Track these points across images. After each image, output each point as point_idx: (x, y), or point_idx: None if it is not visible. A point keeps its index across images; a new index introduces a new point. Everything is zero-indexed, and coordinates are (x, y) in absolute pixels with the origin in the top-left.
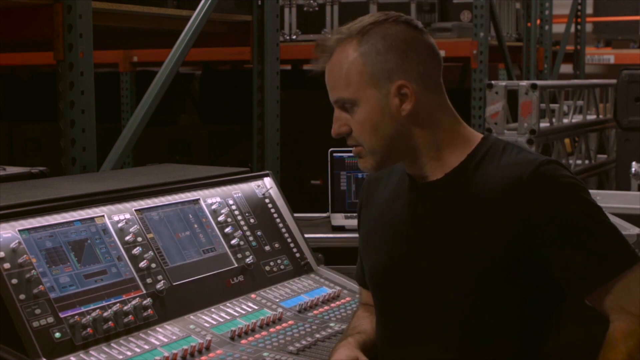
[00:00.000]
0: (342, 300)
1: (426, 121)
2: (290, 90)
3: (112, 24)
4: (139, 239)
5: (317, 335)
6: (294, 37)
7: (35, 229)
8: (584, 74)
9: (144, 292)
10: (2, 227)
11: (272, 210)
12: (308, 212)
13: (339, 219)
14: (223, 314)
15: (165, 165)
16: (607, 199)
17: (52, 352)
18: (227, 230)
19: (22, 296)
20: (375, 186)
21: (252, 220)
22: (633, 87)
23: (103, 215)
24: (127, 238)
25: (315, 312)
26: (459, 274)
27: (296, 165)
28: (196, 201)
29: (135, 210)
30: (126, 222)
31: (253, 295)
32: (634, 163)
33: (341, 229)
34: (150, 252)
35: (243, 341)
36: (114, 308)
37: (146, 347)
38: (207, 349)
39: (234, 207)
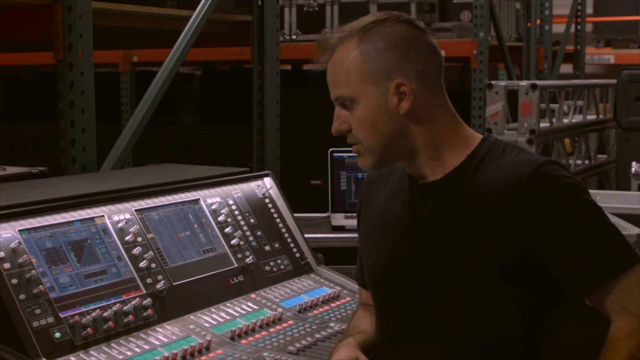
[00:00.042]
0: (342, 300)
1: (425, 120)
2: (290, 90)
3: (112, 24)
4: (139, 239)
5: (317, 335)
6: (294, 37)
7: (35, 229)
8: (584, 74)
9: (144, 292)
10: (2, 227)
11: (272, 210)
12: (308, 212)
13: (339, 219)
14: (223, 314)
15: (165, 165)
16: (607, 199)
17: (52, 352)
18: (227, 230)
19: (22, 296)
20: (375, 186)
21: (252, 220)
22: (633, 87)
23: (103, 215)
24: (127, 238)
25: (315, 312)
26: (459, 274)
27: (296, 165)
28: (196, 201)
29: (135, 210)
30: (126, 222)
31: (253, 295)
32: (634, 163)
33: (341, 229)
34: (150, 252)
35: (243, 341)
36: (114, 308)
37: (146, 347)
38: (207, 349)
39: (234, 207)
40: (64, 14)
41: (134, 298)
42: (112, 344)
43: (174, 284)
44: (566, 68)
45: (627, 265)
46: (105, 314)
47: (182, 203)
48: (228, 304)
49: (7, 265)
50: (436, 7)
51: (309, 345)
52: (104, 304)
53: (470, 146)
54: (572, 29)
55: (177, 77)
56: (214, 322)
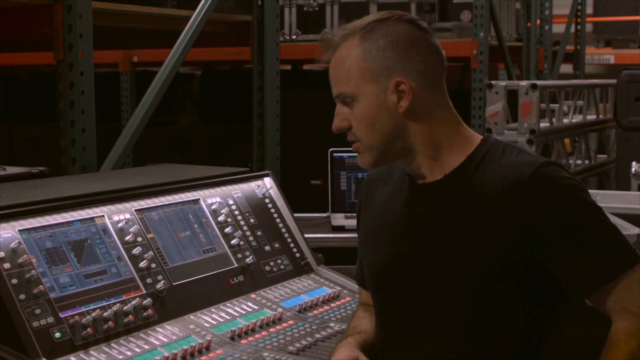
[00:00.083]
0: (342, 300)
1: (424, 120)
2: (290, 90)
3: (112, 24)
4: (139, 239)
5: (317, 335)
6: (294, 37)
7: (35, 229)
8: (584, 74)
9: (144, 292)
10: (2, 227)
11: (272, 210)
12: (308, 212)
13: (339, 219)
14: (223, 314)
15: (165, 165)
16: (607, 199)
17: (52, 352)
18: (227, 230)
19: (22, 296)
20: (374, 186)
21: (252, 220)
22: (633, 87)
23: (103, 215)
24: (127, 238)
25: (315, 312)
26: (459, 274)
27: (296, 165)
28: (196, 201)
29: (135, 210)
30: (126, 222)
31: (253, 295)
32: (634, 163)
33: (341, 229)
34: (150, 252)
35: (243, 341)
36: (114, 308)
37: (146, 347)
38: (207, 349)
39: (234, 207)
40: (64, 14)
41: (134, 298)
42: (112, 344)
43: (174, 284)
44: (566, 68)
45: (628, 266)
46: (105, 314)
47: (182, 203)
48: (228, 304)
49: (7, 265)
50: (436, 7)
51: (309, 345)
52: (104, 304)
53: (470, 147)
54: (572, 29)
55: (177, 77)
56: (214, 322)
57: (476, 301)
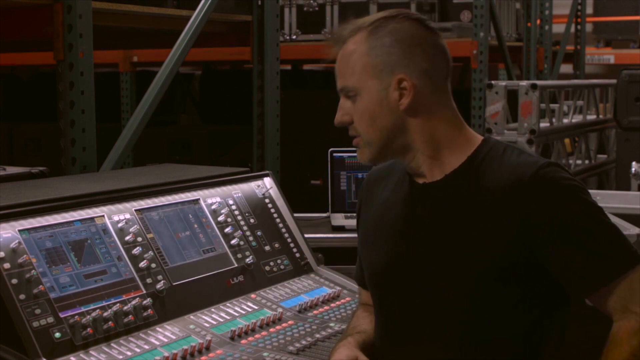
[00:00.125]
0: (342, 300)
1: (425, 118)
2: (290, 90)
3: (112, 24)
4: (139, 239)
5: (317, 335)
6: (294, 37)
7: (35, 229)
8: (584, 74)
9: (144, 292)
10: (2, 227)
11: (272, 210)
12: (308, 212)
13: (339, 219)
14: (223, 314)
15: (165, 165)
16: (607, 199)
17: (52, 352)
18: (227, 230)
19: (22, 296)
20: (374, 186)
21: (252, 220)
22: (633, 87)
23: (103, 215)
24: (127, 238)
25: (315, 312)
26: (459, 274)
27: (296, 165)
28: (196, 201)
29: (135, 210)
30: (126, 222)
31: (253, 295)
32: (634, 163)
33: (341, 229)
34: (150, 252)
35: (243, 341)
36: (114, 308)
37: (146, 347)
38: (207, 349)
39: (234, 207)
40: (64, 14)
41: (134, 298)
42: (112, 344)
43: (174, 284)
44: (566, 68)
45: (629, 266)
46: (105, 314)
47: (182, 203)
48: (228, 304)
49: (7, 265)
50: (436, 7)
51: (309, 345)
52: (104, 304)
53: (471, 147)
54: (572, 29)
55: (177, 77)
56: (214, 322)
57: (476, 301)
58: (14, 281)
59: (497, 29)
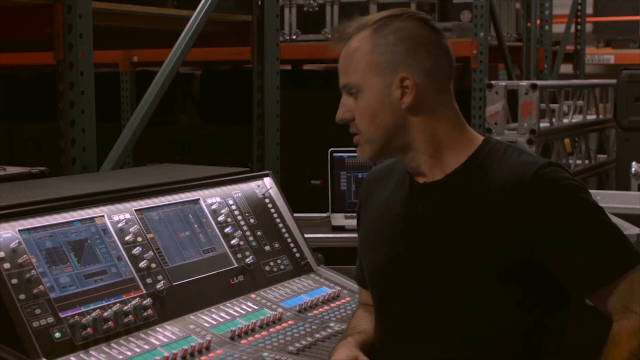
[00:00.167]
0: (342, 300)
1: (426, 117)
2: (290, 90)
3: (112, 24)
4: (139, 239)
5: (317, 335)
6: (294, 37)
7: (35, 229)
8: (584, 74)
9: (144, 292)
10: (2, 227)
11: (272, 210)
12: (308, 212)
13: (339, 219)
14: (223, 314)
15: (165, 165)
16: (607, 199)
17: (52, 352)
18: (227, 230)
19: (22, 296)
20: (374, 186)
21: (252, 220)
22: (633, 87)
23: (103, 215)
24: (127, 238)
25: (315, 312)
26: (459, 274)
27: (296, 165)
28: (196, 201)
29: (135, 210)
30: (126, 222)
31: (253, 295)
32: (634, 163)
33: (341, 229)
34: (150, 252)
35: (243, 341)
36: (114, 308)
37: (146, 347)
38: (207, 349)
39: (234, 207)
40: (64, 14)
41: (134, 298)
42: (112, 344)
43: (174, 284)
44: (566, 68)
45: (629, 265)
46: (105, 314)
47: (182, 203)
48: (228, 304)
49: (7, 265)
50: (436, 7)
51: (309, 345)
52: (104, 304)
53: (472, 147)
54: (572, 29)
55: (177, 77)
56: (214, 322)
57: (476, 301)
58: (14, 281)
59: (497, 29)
